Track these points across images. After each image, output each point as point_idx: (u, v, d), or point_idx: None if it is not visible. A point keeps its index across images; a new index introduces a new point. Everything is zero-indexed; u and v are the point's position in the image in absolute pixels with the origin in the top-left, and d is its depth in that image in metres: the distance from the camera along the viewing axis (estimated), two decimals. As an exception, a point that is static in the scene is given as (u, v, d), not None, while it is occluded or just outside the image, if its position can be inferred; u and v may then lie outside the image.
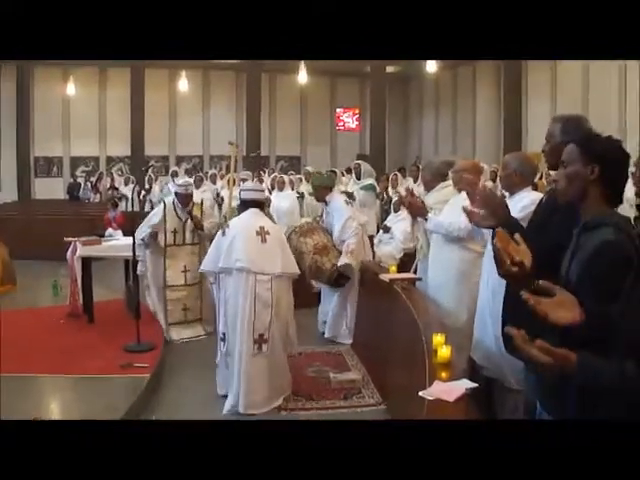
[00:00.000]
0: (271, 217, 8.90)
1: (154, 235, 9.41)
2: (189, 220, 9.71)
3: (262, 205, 7.40)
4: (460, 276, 6.59)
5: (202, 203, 10.26)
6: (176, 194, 9.85)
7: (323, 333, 9.53)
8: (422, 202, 7.04)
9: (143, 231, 9.44)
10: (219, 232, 7.13)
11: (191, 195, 9.99)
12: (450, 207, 6.75)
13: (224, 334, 6.92)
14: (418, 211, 7.10)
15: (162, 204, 9.83)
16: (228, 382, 6.92)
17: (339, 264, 9.01)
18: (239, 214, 7.21)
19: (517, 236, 3.11)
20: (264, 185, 7.60)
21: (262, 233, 6.88)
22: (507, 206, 4.25)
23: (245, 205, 7.17)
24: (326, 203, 9.51)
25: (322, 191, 9.51)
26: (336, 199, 9.47)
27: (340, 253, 9.10)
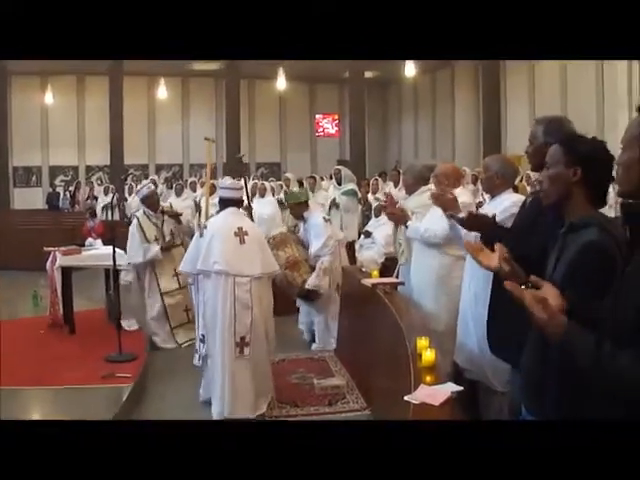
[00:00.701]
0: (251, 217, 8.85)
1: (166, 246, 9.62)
2: (164, 224, 9.76)
3: (240, 204, 7.29)
4: (439, 280, 6.60)
5: (170, 205, 10.41)
6: (143, 200, 9.91)
7: (311, 341, 9.52)
8: (402, 210, 7.04)
9: (144, 251, 9.53)
10: (197, 233, 7.05)
11: (155, 192, 10.14)
12: (431, 212, 6.75)
13: (203, 336, 6.82)
14: (398, 220, 7.13)
15: (135, 220, 9.88)
16: (210, 387, 6.85)
17: (308, 284, 8.95)
18: (218, 213, 7.14)
19: (497, 246, 3.10)
20: (240, 185, 7.41)
21: (240, 234, 6.78)
22: (493, 221, 4.34)
23: (223, 204, 7.06)
24: (304, 220, 9.44)
25: (298, 208, 9.44)
26: (314, 216, 9.39)
27: (312, 268, 9.06)
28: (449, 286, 6.50)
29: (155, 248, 9.57)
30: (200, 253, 6.74)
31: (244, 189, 7.70)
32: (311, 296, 9.11)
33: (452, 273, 6.51)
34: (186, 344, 9.35)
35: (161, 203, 10.20)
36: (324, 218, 9.49)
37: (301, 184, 16.91)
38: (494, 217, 4.63)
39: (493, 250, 3.22)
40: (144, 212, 9.78)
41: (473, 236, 4.72)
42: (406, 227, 6.95)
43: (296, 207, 9.46)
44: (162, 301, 9.63)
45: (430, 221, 6.55)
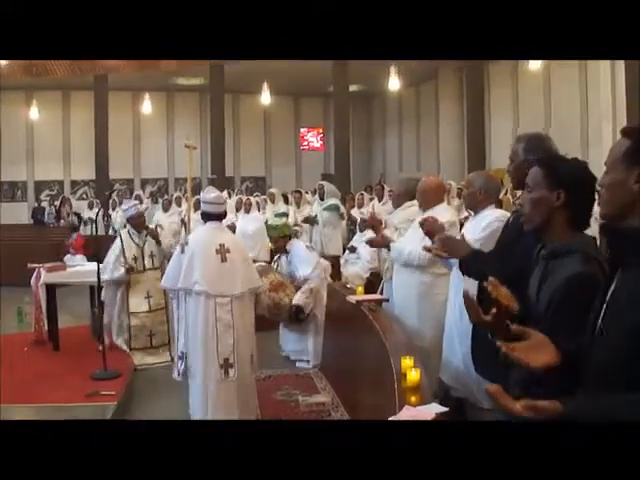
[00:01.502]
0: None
1: (129, 269, 9.44)
2: (146, 244, 9.68)
3: (223, 217, 7.08)
4: (420, 296, 6.59)
5: (156, 227, 10.38)
6: (129, 220, 9.85)
7: (287, 357, 9.47)
8: (382, 236, 7.04)
9: (112, 269, 9.42)
10: (178, 248, 6.89)
11: (143, 213, 10.07)
12: (413, 230, 6.74)
13: (182, 353, 6.66)
14: (379, 244, 7.18)
15: (118, 237, 9.83)
16: (193, 407, 6.74)
17: (294, 300, 8.93)
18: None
19: (491, 279, 3.05)
20: (223, 198, 7.23)
21: (222, 251, 6.62)
22: (466, 244, 4.34)
23: (206, 218, 6.89)
24: (287, 252, 9.45)
25: (281, 241, 9.48)
26: (297, 247, 9.44)
27: (297, 289, 9.05)
28: (432, 302, 6.48)
29: (121, 272, 9.42)
30: (181, 270, 6.59)
31: (226, 203, 7.58)
32: (299, 315, 9.03)
33: (434, 290, 6.50)
34: (140, 368, 9.17)
35: (147, 223, 10.13)
36: (307, 246, 9.61)
37: (286, 199, 16.92)
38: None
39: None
40: (128, 231, 9.73)
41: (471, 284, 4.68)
42: (388, 249, 6.95)
43: (280, 240, 9.48)
44: (128, 320, 9.49)
45: (412, 242, 6.53)
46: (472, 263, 4.26)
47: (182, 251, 6.71)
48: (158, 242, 9.71)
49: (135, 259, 9.56)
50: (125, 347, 9.41)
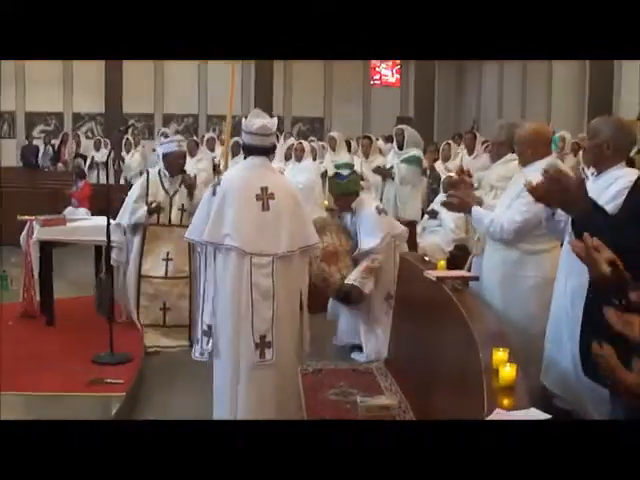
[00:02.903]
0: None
1: (153, 208, 9.49)
2: (177, 195, 9.68)
3: (270, 152, 6.88)
4: (504, 280, 6.63)
5: (195, 177, 10.25)
6: (164, 156, 9.77)
7: (353, 347, 9.48)
8: (463, 197, 6.94)
9: (129, 213, 9.51)
10: (209, 189, 6.66)
11: (184, 154, 10.06)
12: (505, 195, 6.73)
13: (209, 327, 6.47)
14: (458, 207, 7.09)
15: (145, 174, 9.89)
16: (217, 399, 6.62)
17: (348, 281, 8.94)
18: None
19: (596, 242, 3.05)
20: (274, 127, 6.82)
21: (264, 197, 6.44)
22: (585, 190, 4.26)
23: (247, 151, 6.74)
24: (352, 212, 9.42)
25: (345, 200, 9.45)
26: (365, 208, 9.35)
27: (355, 263, 9.08)
28: (519, 287, 6.49)
29: (141, 210, 9.47)
30: (209, 218, 6.43)
31: (275, 134, 7.43)
32: (352, 296, 9.04)
33: (522, 271, 6.50)
34: (150, 350, 9.27)
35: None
36: (377, 208, 9.40)
37: (350, 146, 16.88)
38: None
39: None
40: (159, 171, 9.73)
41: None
42: (470, 215, 6.91)
43: (344, 199, 9.44)
44: (137, 285, 9.57)
45: (499, 208, 6.52)
46: (593, 226, 4.16)
47: (213, 193, 6.52)
48: (190, 194, 9.66)
49: (159, 209, 9.57)
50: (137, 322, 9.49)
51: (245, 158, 6.85)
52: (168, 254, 9.52)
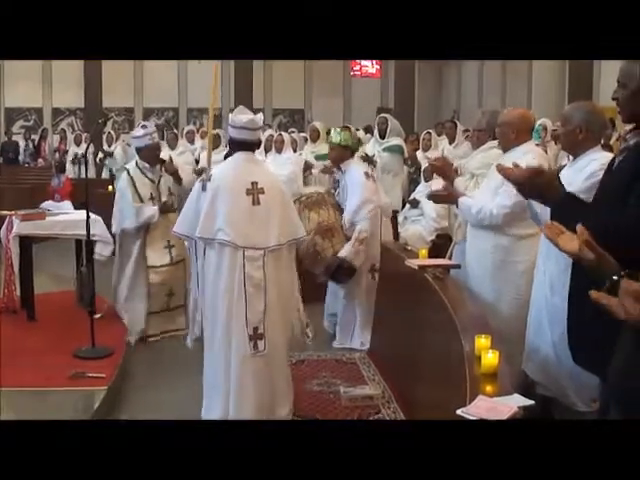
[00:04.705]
0: None
1: (166, 208, 9.56)
2: (162, 180, 9.70)
3: (256, 147, 7.01)
4: (494, 266, 6.66)
5: (171, 159, 10.31)
6: (139, 151, 9.75)
7: (334, 334, 9.55)
8: (448, 189, 7.00)
9: (134, 215, 9.45)
10: (197, 184, 6.75)
11: (158, 146, 10.03)
12: (487, 180, 6.74)
13: (195, 317, 6.74)
14: (444, 199, 7.15)
15: (124, 173, 9.80)
16: (208, 393, 6.70)
17: (340, 254, 8.94)
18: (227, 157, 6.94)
19: (579, 228, 3.04)
20: (260, 122, 6.98)
21: (254, 192, 6.52)
22: (556, 178, 4.26)
23: (235, 147, 6.80)
24: (341, 171, 9.45)
25: (341, 152, 9.40)
26: (354, 169, 9.38)
27: (348, 239, 9.05)
28: (509, 272, 6.54)
29: (151, 208, 9.47)
30: (200, 214, 6.51)
31: (261, 129, 7.50)
32: (342, 272, 9.08)
33: (512, 256, 6.55)
34: (155, 339, 9.41)
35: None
36: (366, 174, 9.43)
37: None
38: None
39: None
40: (137, 164, 9.70)
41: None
42: (455, 205, 6.93)
43: (338, 150, 9.41)
44: (147, 278, 9.58)
45: (484, 196, 6.52)
46: (568, 211, 4.15)
47: (203, 188, 6.58)
48: (178, 180, 9.75)
49: (152, 198, 9.57)
50: (124, 315, 9.54)
51: (230, 153, 6.91)
52: (169, 241, 9.53)
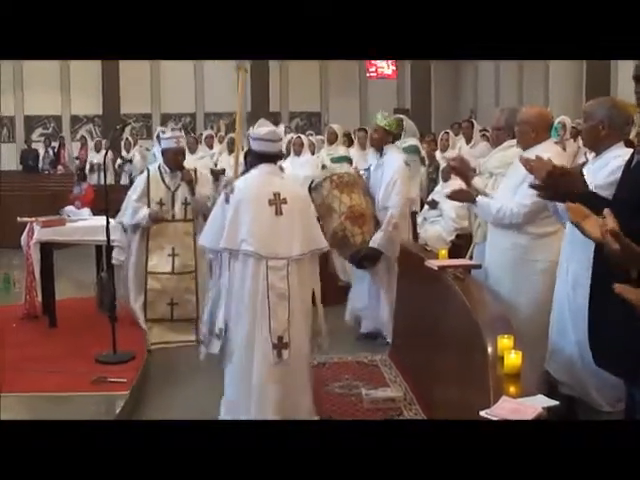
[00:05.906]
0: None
1: (155, 216, 9.44)
2: (179, 189, 9.63)
3: (278, 159, 7.07)
4: (513, 265, 6.61)
5: (196, 170, 10.10)
6: (163, 152, 9.75)
7: (362, 334, 9.65)
8: (466, 188, 6.98)
9: (131, 213, 9.46)
10: (221, 197, 6.79)
11: (183, 151, 9.97)
12: (506, 179, 6.70)
13: (221, 330, 6.63)
14: (462, 198, 7.12)
15: (145, 172, 9.84)
16: (229, 397, 6.75)
17: (372, 244, 9.02)
18: (248, 170, 6.94)
19: (606, 211, 3.00)
20: (282, 134, 7.08)
21: (277, 202, 6.57)
22: (581, 176, 4.21)
23: (256, 159, 6.82)
24: (381, 153, 9.56)
25: (384, 135, 9.56)
26: (395, 153, 9.62)
27: (377, 228, 9.10)
28: (528, 271, 6.49)
29: (144, 211, 9.42)
30: (224, 225, 6.55)
31: (282, 140, 7.53)
32: (366, 263, 9.21)
33: (531, 255, 6.49)
34: (155, 347, 9.29)
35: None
36: (405, 162, 9.61)
37: (350, 139, 16.88)
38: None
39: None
40: (159, 167, 9.68)
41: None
42: (475, 204, 6.89)
43: (382, 133, 9.56)
44: (145, 282, 9.54)
45: (503, 195, 6.47)
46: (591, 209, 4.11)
47: (226, 201, 6.65)
48: (192, 189, 9.63)
49: (162, 204, 9.52)
50: (140, 319, 9.46)
51: (252, 164, 6.91)
52: (174, 250, 9.51)
